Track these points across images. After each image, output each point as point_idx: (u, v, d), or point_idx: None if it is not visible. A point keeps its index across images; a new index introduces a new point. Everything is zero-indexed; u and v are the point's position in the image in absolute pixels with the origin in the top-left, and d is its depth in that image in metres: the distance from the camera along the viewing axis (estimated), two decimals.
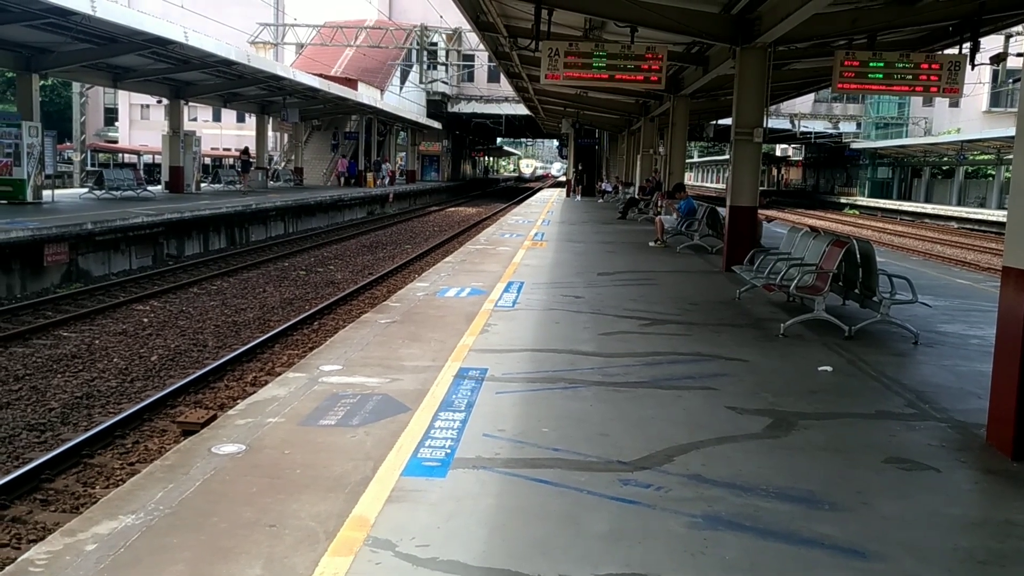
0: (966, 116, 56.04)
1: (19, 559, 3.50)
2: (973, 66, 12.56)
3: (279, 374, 8.54)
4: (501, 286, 10.91)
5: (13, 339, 10.82)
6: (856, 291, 8.90)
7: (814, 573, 3.51)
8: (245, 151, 35.63)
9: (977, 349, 7.94)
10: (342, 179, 41.37)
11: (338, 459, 4.57)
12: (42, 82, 23.02)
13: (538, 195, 47.28)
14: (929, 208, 46.39)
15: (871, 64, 12.39)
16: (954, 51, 13.11)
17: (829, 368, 7.02)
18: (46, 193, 20.78)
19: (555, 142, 78.09)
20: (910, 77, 12.44)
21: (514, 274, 12.12)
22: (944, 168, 52.46)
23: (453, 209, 44.36)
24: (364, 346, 7.35)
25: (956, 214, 42.46)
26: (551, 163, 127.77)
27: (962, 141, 44.09)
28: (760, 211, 14.10)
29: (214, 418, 7.21)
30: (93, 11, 16.27)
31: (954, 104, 54.05)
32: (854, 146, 56.88)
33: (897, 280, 8.73)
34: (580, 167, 44.22)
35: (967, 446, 5.17)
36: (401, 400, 5.68)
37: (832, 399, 6.17)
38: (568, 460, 4.67)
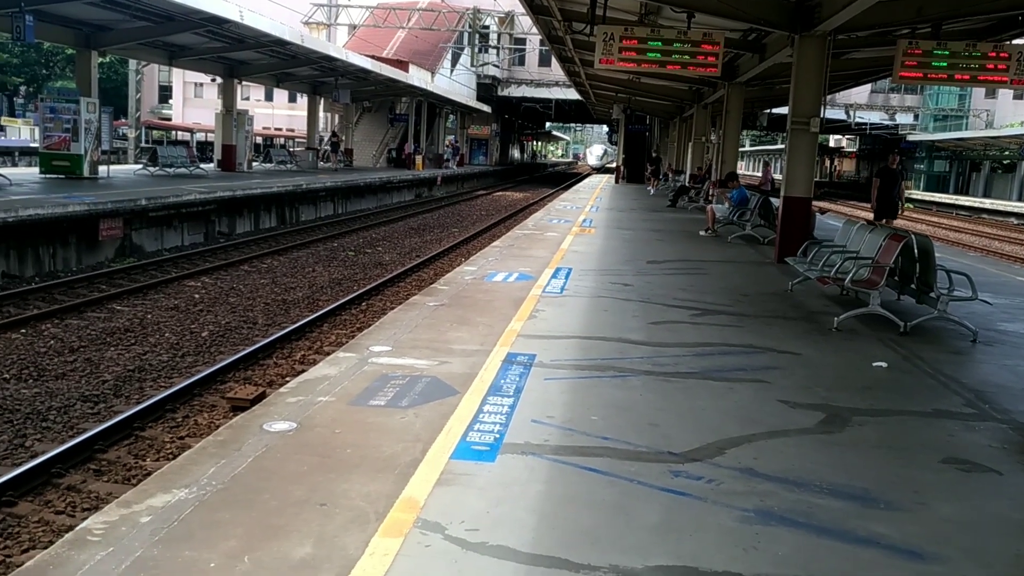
0: None
1: (77, 527, 3.56)
2: None
3: (327, 353, 8.62)
4: (549, 272, 10.86)
5: (69, 311, 11.05)
6: (912, 286, 8.69)
7: (870, 573, 3.44)
8: (334, 134, 38.23)
9: None
10: (409, 160, 41.42)
11: (388, 440, 4.58)
12: (100, 59, 23.35)
13: (585, 181, 47.00)
14: (988, 203, 45.14)
15: (935, 53, 11.98)
16: None
17: (884, 364, 6.87)
18: (102, 169, 21.16)
19: (605, 128, 77.50)
20: (976, 67, 11.99)
21: (562, 260, 12.06)
22: (1005, 162, 51.03)
23: (501, 193, 44.33)
24: (413, 328, 7.37)
25: (1017, 210, 41.24)
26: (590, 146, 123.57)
27: None
28: (813, 202, 13.83)
29: (263, 395, 7.30)
30: None
31: (1018, 96, 52.60)
32: (911, 138, 55.63)
33: (956, 276, 8.50)
34: (656, 153, 43.43)
35: None
36: (450, 383, 5.67)
37: (887, 396, 6.03)
38: (618, 449, 4.62)
